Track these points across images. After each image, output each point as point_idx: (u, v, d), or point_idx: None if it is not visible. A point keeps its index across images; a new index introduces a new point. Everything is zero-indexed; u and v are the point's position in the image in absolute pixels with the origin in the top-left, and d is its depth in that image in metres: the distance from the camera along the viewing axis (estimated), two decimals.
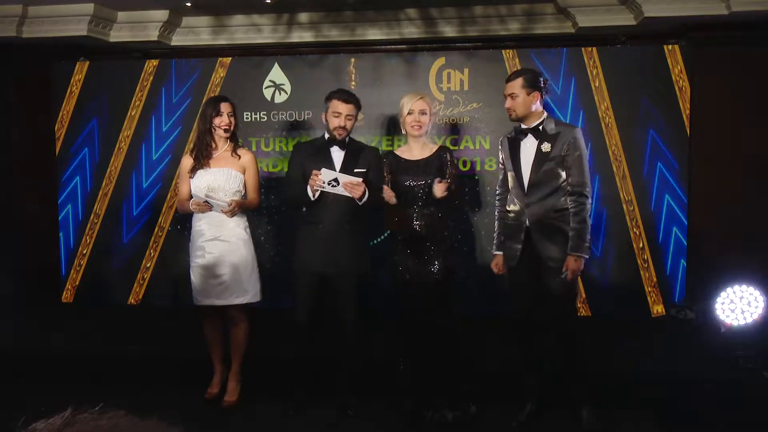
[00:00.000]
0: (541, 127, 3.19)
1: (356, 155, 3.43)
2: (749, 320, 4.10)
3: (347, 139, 3.44)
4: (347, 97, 3.38)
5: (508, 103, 3.21)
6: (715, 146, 4.87)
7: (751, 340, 4.02)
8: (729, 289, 4.16)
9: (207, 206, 3.40)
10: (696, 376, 3.76)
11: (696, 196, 4.82)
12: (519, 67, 4.82)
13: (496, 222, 3.44)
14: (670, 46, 4.72)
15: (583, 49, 4.79)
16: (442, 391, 3.31)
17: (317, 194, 3.27)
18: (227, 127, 3.48)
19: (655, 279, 4.77)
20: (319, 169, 3.28)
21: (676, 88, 4.71)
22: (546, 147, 3.16)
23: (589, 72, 4.77)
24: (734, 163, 4.87)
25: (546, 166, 3.15)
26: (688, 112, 4.71)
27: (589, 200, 3.19)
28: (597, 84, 4.77)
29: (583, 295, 4.75)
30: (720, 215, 4.86)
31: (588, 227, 3.16)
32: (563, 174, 3.16)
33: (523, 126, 3.24)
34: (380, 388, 3.61)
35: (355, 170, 3.36)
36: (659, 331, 4.57)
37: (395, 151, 3.44)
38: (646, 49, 4.75)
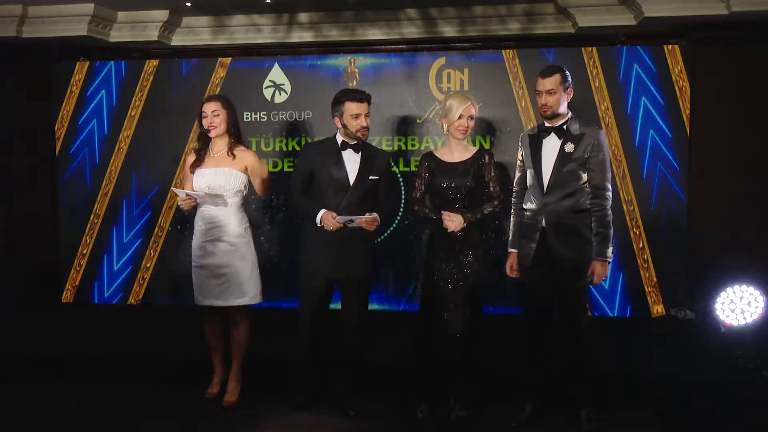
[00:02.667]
0: (565, 127, 3.17)
1: (371, 161, 3.37)
2: (749, 320, 4.10)
3: (361, 142, 3.40)
4: (361, 96, 3.33)
5: (545, 99, 3.13)
6: (715, 146, 4.87)
7: (751, 340, 4.03)
8: (729, 289, 4.17)
9: (191, 200, 3.40)
10: (696, 376, 3.76)
11: (696, 196, 4.82)
12: (519, 68, 4.84)
13: (512, 219, 3.39)
14: (670, 46, 4.72)
15: (583, 49, 4.80)
16: (450, 391, 3.31)
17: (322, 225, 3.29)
18: (210, 128, 3.46)
19: (655, 279, 4.77)
20: (330, 173, 3.31)
21: (676, 88, 4.71)
22: (569, 147, 3.14)
23: (589, 72, 4.77)
24: (734, 163, 4.87)
25: (568, 166, 3.13)
26: (688, 112, 4.71)
27: (609, 203, 3.17)
28: (597, 84, 4.77)
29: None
30: (720, 215, 4.86)
31: (611, 231, 3.16)
32: (584, 176, 3.15)
33: (547, 124, 3.20)
34: (381, 389, 3.62)
35: (370, 177, 3.34)
36: (659, 331, 4.57)
37: (435, 153, 3.39)
38: (646, 49, 4.75)
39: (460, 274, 3.23)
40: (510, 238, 3.40)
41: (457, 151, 3.30)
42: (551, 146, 3.18)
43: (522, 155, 3.32)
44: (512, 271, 3.36)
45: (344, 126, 3.33)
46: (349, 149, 3.36)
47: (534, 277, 3.24)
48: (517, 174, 3.38)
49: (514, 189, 3.39)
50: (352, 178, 3.33)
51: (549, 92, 3.12)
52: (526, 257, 3.23)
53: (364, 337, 3.47)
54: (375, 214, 3.26)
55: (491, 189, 3.27)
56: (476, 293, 3.26)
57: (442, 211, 3.21)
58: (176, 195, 3.42)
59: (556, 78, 3.12)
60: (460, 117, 3.23)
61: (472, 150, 3.32)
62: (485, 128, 4.88)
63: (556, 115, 3.16)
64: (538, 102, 3.19)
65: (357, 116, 3.29)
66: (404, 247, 4.94)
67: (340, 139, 3.38)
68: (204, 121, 3.46)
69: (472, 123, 3.27)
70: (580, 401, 3.26)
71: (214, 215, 3.46)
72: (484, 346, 3.37)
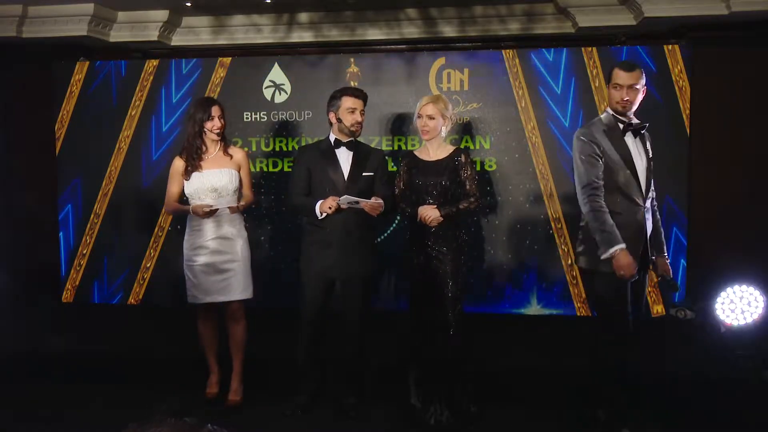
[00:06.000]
0: (640, 124, 3.09)
1: (364, 158, 3.43)
2: (749, 320, 4.11)
3: (354, 140, 3.44)
4: (358, 92, 3.40)
5: (626, 95, 2.98)
6: (715, 146, 4.87)
7: (751, 340, 4.03)
8: (729, 289, 4.17)
9: (214, 210, 3.43)
10: (696, 376, 3.76)
11: (696, 196, 4.82)
12: (519, 68, 4.84)
13: (600, 216, 2.97)
14: (670, 46, 4.72)
15: (583, 49, 4.80)
16: (443, 391, 3.31)
17: (325, 215, 3.29)
18: (219, 130, 3.50)
19: (655, 279, 4.77)
20: (326, 172, 3.34)
21: (676, 88, 4.71)
22: (648, 146, 3.12)
23: (589, 72, 4.77)
24: (734, 163, 4.87)
25: (650, 166, 3.11)
26: (688, 112, 4.71)
27: None
28: (597, 84, 4.77)
29: (583, 296, 4.75)
30: (720, 215, 4.86)
31: None
32: None
33: (624, 119, 3.07)
34: (381, 389, 3.62)
35: (363, 174, 3.38)
36: (659, 331, 4.57)
37: (414, 152, 3.46)
38: (646, 49, 4.75)
39: (438, 269, 3.27)
40: (605, 234, 2.95)
41: (432, 150, 3.37)
42: (637, 144, 3.08)
43: (599, 150, 3.02)
44: (633, 268, 2.94)
45: (339, 120, 3.37)
46: (342, 147, 3.40)
47: (626, 282, 3.03)
48: (593, 169, 3.02)
49: (593, 185, 3.01)
50: (346, 176, 3.36)
51: (631, 87, 3.00)
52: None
53: (364, 338, 3.48)
54: (381, 201, 3.28)
55: (467, 187, 3.32)
56: (455, 289, 3.27)
57: (420, 206, 3.27)
58: (199, 205, 3.43)
59: (638, 73, 3.02)
60: (419, 117, 3.31)
61: (449, 149, 3.39)
62: (485, 128, 4.88)
63: (627, 114, 3.07)
64: (617, 96, 3.01)
65: (353, 111, 3.35)
66: (405, 246, 4.93)
67: (333, 137, 3.42)
68: (210, 124, 3.48)
69: (433, 123, 3.29)
70: (598, 401, 3.21)
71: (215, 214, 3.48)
72: (481, 345, 3.36)
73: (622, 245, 2.92)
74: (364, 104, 3.42)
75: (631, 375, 3.22)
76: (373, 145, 4.92)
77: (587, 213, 3.03)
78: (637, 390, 3.59)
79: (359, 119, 3.37)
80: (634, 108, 3.07)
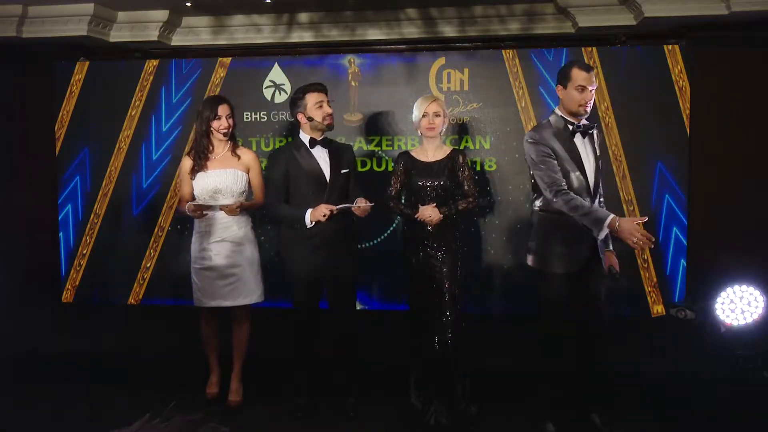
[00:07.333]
0: (590, 125, 3.10)
1: (339, 155, 3.42)
2: (749, 320, 4.10)
3: (326, 138, 3.42)
4: (319, 86, 3.38)
5: (588, 96, 3.01)
6: (715, 146, 4.87)
7: (751, 340, 4.03)
8: (729, 289, 4.17)
9: (208, 208, 3.40)
10: (696, 376, 3.76)
11: (696, 196, 4.82)
12: (519, 68, 4.84)
13: (578, 203, 2.91)
14: (670, 46, 4.72)
15: (583, 49, 4.80)
16: (443, 391, 3.31)
17: (314, 223, 3.27)
18: (226, 130, 3.47)
19: (655, 279, 4.77)
20: (305, 172, 3.32)
21: (676, 88, 4.71)
22: (596, 146, 3.12)
23: None
24: (734, 163, 4.87)
25: (599, 166, 3.10)
26: (688, 112, 4.71)
27: None
28: (597, 84, 4.76)
29: None
30: (720, 215, 4.86)
31: None
32: None
33: (572, 120, 3.07)
34: (381, 389, 3.61)
35: (342, 171, 3.38)
36: (659, 331, 4.57)
37: (410, 152, 3.46)
38: (646, 49, 4.75)
39: (436, 269, 3.29)
40: (591, 217, 2.86)
41: (431, 151, 3.39)
42: (585, 145, 3.08)
43: (550, 150, 3.02)
44: (639, 228, 2.77)
45: (310, 119, 3.34)
46: (317, 146, 3.38)
47: (580, 285, 3.06)
48: (552, 168, 3.00)
49: (557, 182, 2.96)
50: (327, 174, 3.35)
51: (592, 89, 3.02)
52: (577, 263, 3.02)
53: (356, 336, 3.49)
54: (370, 204, 3.25)
55: (465, 188, 3.36)
56: (453, 289, 3.28)
57: (420, 206, 3.28)
58: (191, 203, 3.40)
59: (594, 74, 3.06)
60: (424, 115, 3.33)
61: (446, 150, 3.41)
62: (485, 128, 4.88)
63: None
64: (580, 99, 3.00)
65: (320, 104, 3.33)
66: (403, 247, 4.93)
67: (306, 137, 3.38)
68: (217, 123, 3.45)
69: (439, 120, 3.33)
70: (593, 403, 3.22)
71: (220, 216, 3.46)
72: (480, 345, 3.36)
73: (611, 215, 2.84)
74: (327, 95, 3.40)
75: (602, 376, 3.25)
76: (373, 146, 4.95)
77: (565, 209, 2.95)
78: (636, 390, 3.61)
79: (329, 111, 3.35)
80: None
